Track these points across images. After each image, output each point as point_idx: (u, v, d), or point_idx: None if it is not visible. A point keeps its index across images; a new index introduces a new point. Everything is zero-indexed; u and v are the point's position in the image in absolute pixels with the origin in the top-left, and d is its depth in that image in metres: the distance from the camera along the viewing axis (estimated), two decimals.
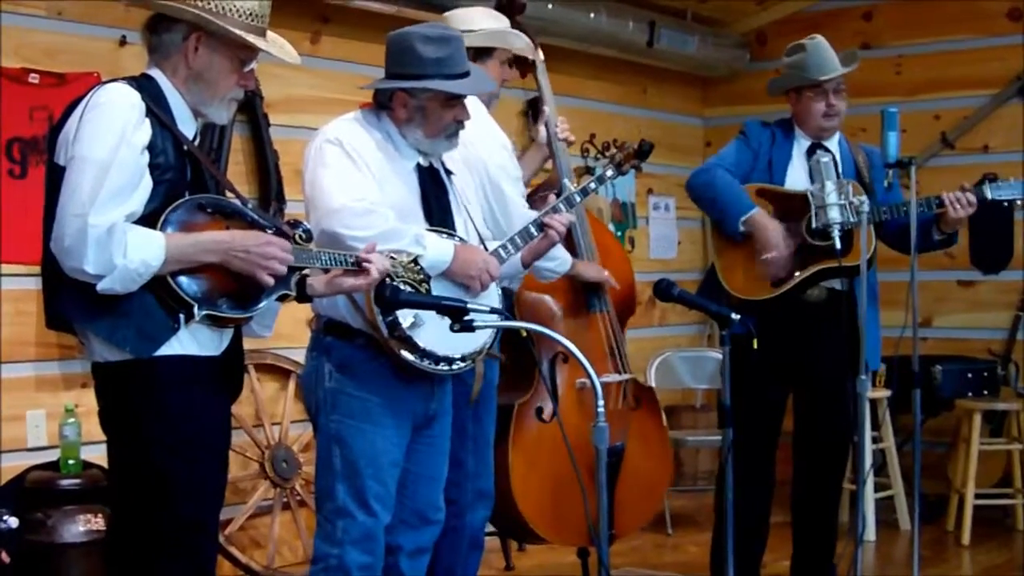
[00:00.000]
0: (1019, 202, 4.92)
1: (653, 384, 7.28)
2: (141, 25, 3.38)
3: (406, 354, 3.75)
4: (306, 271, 3.45)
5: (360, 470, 3.82)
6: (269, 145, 6.00)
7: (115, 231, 3.05)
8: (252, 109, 5.95)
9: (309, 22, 6.26)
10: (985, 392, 6.90)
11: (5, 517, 4.64)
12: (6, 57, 5.13)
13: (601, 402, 3.21)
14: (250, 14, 3.34)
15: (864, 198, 4.64)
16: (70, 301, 3.18)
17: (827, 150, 5.05)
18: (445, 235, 3.88)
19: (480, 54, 4.62)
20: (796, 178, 5.04)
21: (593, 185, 4.30)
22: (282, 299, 3.42)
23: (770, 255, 4.88)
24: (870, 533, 6.67)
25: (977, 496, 6.67)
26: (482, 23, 4.69)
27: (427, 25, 4.01)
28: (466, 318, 3.36)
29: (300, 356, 6.07)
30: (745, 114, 5.29)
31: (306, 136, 6.16)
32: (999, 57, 7.58)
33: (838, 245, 4.67)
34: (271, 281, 3.26)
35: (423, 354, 3.76)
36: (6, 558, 4.60)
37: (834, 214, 4.67)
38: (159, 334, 3.18)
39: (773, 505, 5.17)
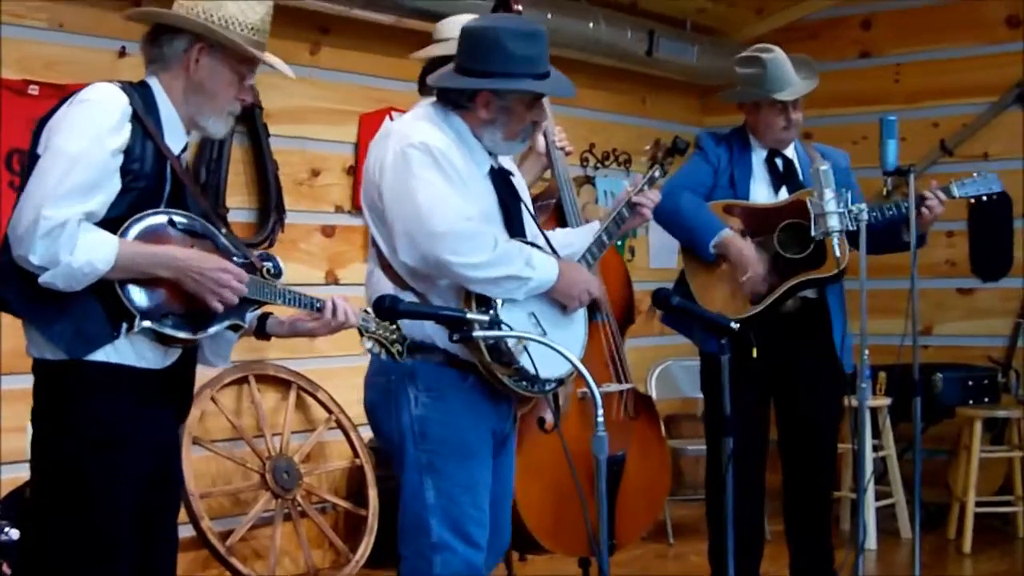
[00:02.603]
0: (990, 197, 4.95)
1: (653, 393, 7.29)
2: (141, 36, 3.37)
3: (505, 377, 3.58)
4: (270, 308, 3.42)
5: (457, 499, 3.62)
6: (269, 155, 6.01)
7: (67, 227, 3.01)
8: (252, 119, 5.96)
9: (308, 32, 6.27)
10: (986, 400, 6.89)
11: (6, 529, 4.64)
12: (7, 68, 5.13)
13: (600, 412, 3.19)
14: (252, 28, 3.37)
15: (864, 205, 4.64)
16: (15, 286, 3.12)
17: (785, 157, 5.05)
18: (539, 246, 3.70)
19: None
20: (759, 191, 5.04)
21: (647, 188, 4.05)
22: (235, 329, 3.37)
23: (747, 276, 4.87)
24: (871, 541, 6.66)
25: (978, 504, 6.66)
26: None
27: (508, 17, 3.78)
28: (465, 328, 3.28)
29: (300, 366, 6.14)
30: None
31: (306, 146, 6.26)
32: (998, 64, 7.58)
33: (838, 252, 4.66)
34: (220, 307, 3.21)
35: (522, 376, 3.58)
36: (7, 570, 4.60)
37: (834, 222, 4.65)
38: (96, 338, 3.13)
39: (772, 514, 5.16)
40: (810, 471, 5.11)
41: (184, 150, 3.35)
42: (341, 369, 6.31)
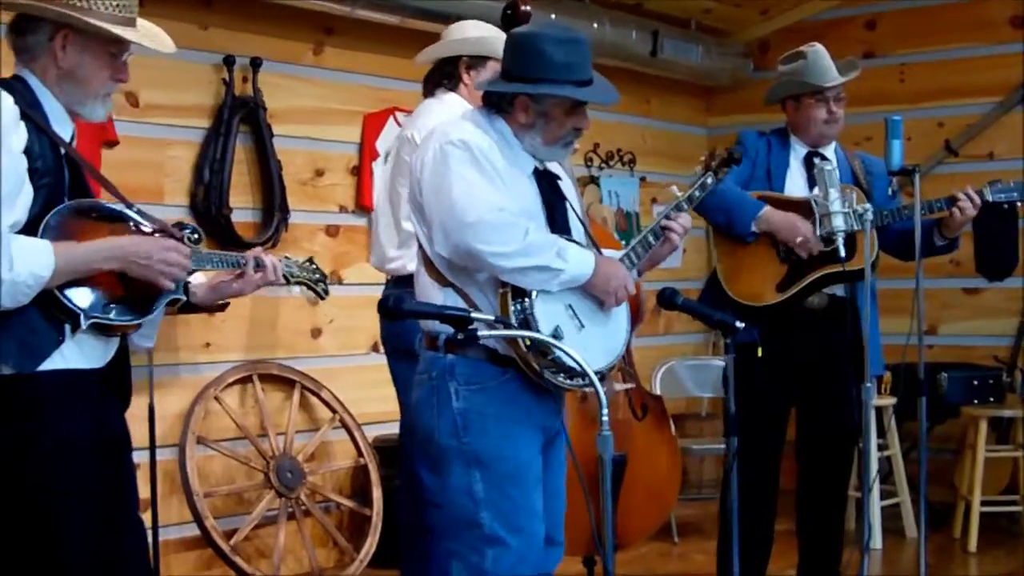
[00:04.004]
0: (1020, 205, 4.95)
1: (658, 393, 7.29)
2: (6, 29, 3.24)
3: (542, 368, 3.54)
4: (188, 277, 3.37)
5: (506, 490, 3.58)
6: (272, 155, 6.01)
7: None
8: (255, 119, 5.96)
9: (312, 33, 6.27)
10: (991, 399, 6.88)
11: None
12: (8, 70, 5.13)
13: (606, 410, 3.18)
14: (117, 5, 3.17)
15: (868, 205, 4.65)
16: None
17: (824, 157, 5.06)
18: (584, 245, 3.69)
19: (474, 63, 4.63)
20: (794, 185, 5.04)
21: (698, 193, 4.03)
22: (172, 304, 3.31)
23: (800, 239, 4.85)
24: (876, 541, 6.66)
25: (983, 503, 6.66)
26: (473, 32, 4.69)
27: (551, 24, 3.79)
28: (470, 327, 3.29)
29: (304, 366, 6.15)
30: (749, 123, 5.30)
31: (310, 146, 6.26)
32: (1003, 65, 7.58)
33: (842, 252, 4.67)
34: (172, 286, 3.18)
35: (560, 368, 3.54)
36: None
37: (838, 222, 4.66)
38: (43, 347, 3.04)
39: (778, 513, 5.16)
40: (829, 472, 5.10)
41: (73, 137, 3.22)
42: (345, 368, 6.33)
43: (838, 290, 4.95)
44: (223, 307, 5.58)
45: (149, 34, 3.29)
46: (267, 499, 5.83)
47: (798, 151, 5.10)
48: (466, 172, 3.51)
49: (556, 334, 3.50)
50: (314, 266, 3.69)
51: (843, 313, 4.92)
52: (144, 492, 5.17)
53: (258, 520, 5.78)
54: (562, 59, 3.57)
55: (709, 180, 4.09)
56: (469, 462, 3.59)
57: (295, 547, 6.00)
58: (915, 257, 4.76)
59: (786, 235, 4.89)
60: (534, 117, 3.63)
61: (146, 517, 4.21)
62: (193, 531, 5.59)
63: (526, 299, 3.52)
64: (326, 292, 3.74)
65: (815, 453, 5.09)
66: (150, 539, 4.28)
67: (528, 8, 4.61)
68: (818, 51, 5.03)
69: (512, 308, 3.50)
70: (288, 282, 3.57)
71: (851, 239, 4.80)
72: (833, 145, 5.16)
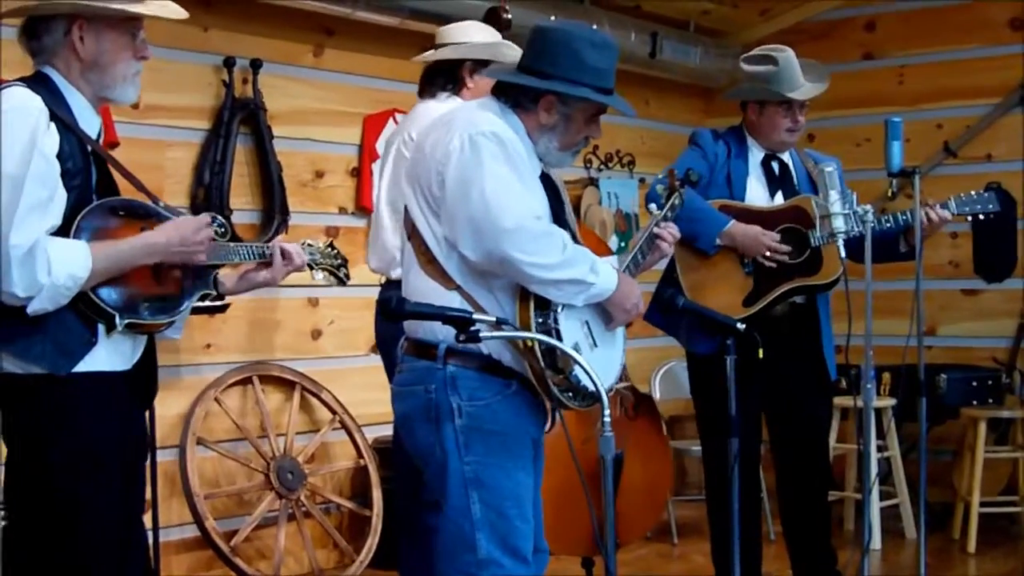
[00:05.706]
0: (987, 215, 4.96)
1: (657, 394, 7.30)
2: (17, 35, 3.24)
3: (553, 385, 3.40)
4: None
5: (506, 512, 3.47)
6: (273, 157, 6.01)
7: (37, 249, 2.91)
8: (255, 121, 5.96)
9: (312, 34, 6.27)
10: (990, 400, 6.89)
11: None
12: (12, 70, 5.13)
13: (608, 412, 3.15)
14: None
15: (869, 207, 4.64)
16: None
17: (781, 160, 5.05)
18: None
19: (478, 67, 4.61)
20: (755, 191, 5.02)
21: (670, 214, 3.93)
22: (203, 298, 3.32)
23: (767, 252, 4.85)
24: (876, 542, 6.66)
25: (982, 504, 6.66)
26: (478, 36, 4.68)
27: (583, 26, 3.69)
28: (472, 328, 3.18)
29: (304, 367, 6.15)
30: None
31: (310, 148, 6.26)
32: (1001, 66, 7.58)
33: (843, 253, 4.66)
34: (205, 258, 3.22)
35: (569, 385, 3.41)
36: None
37: (839, 223, 4.65)
38: (77, 348, 3.05)
39: (775, 514, 5.17)
40: (803, 473, 5.11)
41: (100, 133, 3.22)
42: (345, 370, 6.33)
43: (797, 298, 4.96)
44: (223, 308, 5.61)
45: (158, 6, 3.28)
46: (267, 500, 5.83)
47: (755, 155, 5.06)
48: (499, 169, 3.33)
49: (576, 349, 3.40)
50: (335, 251, 3.67)
51: (803, 320, 4.96)
52: (145, 493, 5.20)
53: (258, 521, 5.78)
54: (593, 63, 3.46)
55: (677, 201, 4.00)
56: (468, 483, 3.46)
57: (295, 548, 6.00)
58: (875, 261, 4.73)
59: (752, 252, 4.87)
60: (557, 119, 3.50)
61: (146, 518, 4.22)
62: (193, 532, 5.60)
63: (551, 312, 3.39)
64: (347, 277, 3.72)
65: (788, 456, 5.10)
66: (150, 540, 4.29)
67: (509, 15, 4.59)
68: (789, 58, 4.97)
69: (535, 321, 3.37)
70: (312, 268, 3.56)
71: (816, 252, 4.80)
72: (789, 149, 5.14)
